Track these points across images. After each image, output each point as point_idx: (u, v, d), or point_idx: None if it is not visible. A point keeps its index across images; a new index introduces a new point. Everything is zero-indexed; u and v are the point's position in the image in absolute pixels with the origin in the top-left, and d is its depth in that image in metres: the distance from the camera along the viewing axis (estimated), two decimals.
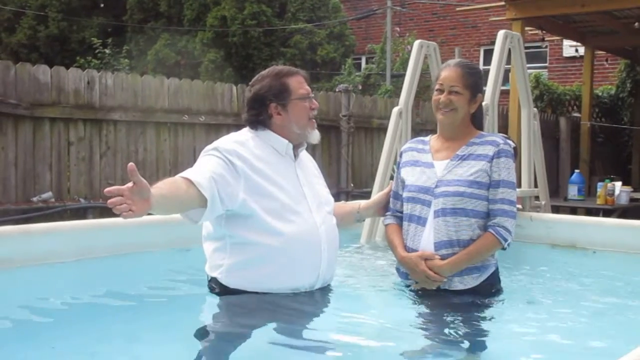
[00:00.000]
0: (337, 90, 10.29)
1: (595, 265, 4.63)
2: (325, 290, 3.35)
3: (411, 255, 3.38)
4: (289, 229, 3.14)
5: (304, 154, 3.50)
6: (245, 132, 3.35)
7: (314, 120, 3.37)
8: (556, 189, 11.47)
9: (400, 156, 3.67)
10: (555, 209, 7.78)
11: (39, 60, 14.57)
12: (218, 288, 3.21)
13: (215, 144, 3.21)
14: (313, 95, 3.40)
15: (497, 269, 3.47)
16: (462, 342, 2.91)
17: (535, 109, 5.87)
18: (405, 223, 3.49)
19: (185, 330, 2.95)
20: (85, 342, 2.81)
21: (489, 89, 5.22)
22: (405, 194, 3.50)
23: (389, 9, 16.01)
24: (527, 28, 10.28)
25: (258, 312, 3.09)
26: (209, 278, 3.28)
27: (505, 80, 7.44)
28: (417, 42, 5.61)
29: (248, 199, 3.10)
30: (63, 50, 17.70)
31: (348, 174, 9.86)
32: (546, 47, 16.64)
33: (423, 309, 3.30)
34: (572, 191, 9.84)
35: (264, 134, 3.32)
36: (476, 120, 3.52)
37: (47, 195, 6.78)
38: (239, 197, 3.08)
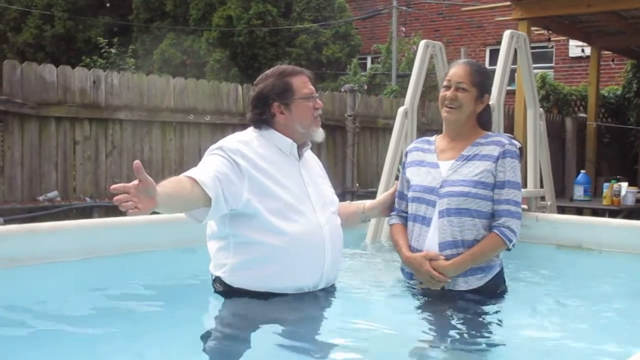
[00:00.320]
0: (342, 90, 10.29)
1: (601, 265, 4.62)
2: (329, 290, 3.35)
3: (416, 256, 3.38)
4: (292, 228, 3.14)
5: (309, 154, 3.50)
6: (250, 132, 3.35)
7: (318, 119, 3.37)
8: (562, 189, 11.45)
9: (406, 156, 3.66)
10: (561, 210, 7.78)
11: (45, 60, 14.59)
12: (222, 287, 3.22)
13: (220, 143, 3.21)
14: (317, 94, 3.39)
15: (501, 269, 3.46)
16: (467, 343, 2.90)
17: (541, 109, 5.87)
18: (409, 223, 3.48)
19: (189, 329, 2.96)
20: (89, 341, 2.82)
21: (495, 89, 5.21)
22: (410, 194, 3.49)
23: (395, 8, 15.99)
24: (533, 28, 10.25)
25: (261, 312, 3.09)
26: (213, 277, 3.28)
27: (511, 80, 7.42)
28: (422, 42, 5.61)
29: (252, 199, 3.10)
30: (69, 49, 17.72)
31: (353, 174, 9.86)
32: (552, 47, 16.60)
33: (427, 309, 3.30)
34: (578, 192, 9.81)
35: (268, 133, 3.32)
36: (483, 121, 3.51)
37: (53, 194, 6.79)
38: (243, 197, 3.08)
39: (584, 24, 11.21)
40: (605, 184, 9.70)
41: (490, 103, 3.61)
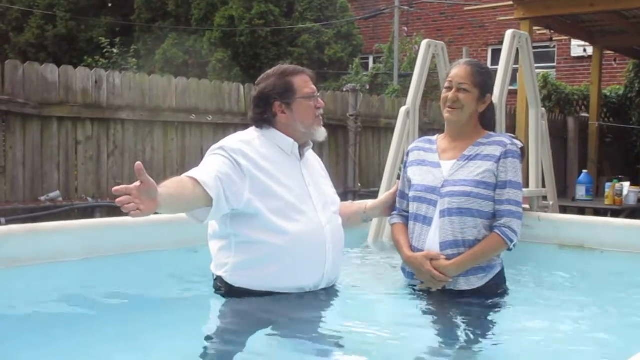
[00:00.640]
0: (344, 89, 10.28)
1: (603, 265, 4.61)
2: (331, 290, 3.35)
3: (417, 255, 3.37)
4: (293, 228, 3.14)
5: (311, 154, 3.50)
6: (251, 131, 3.35)
7: (320, 119, 3.37)
8: (564, 189, 11.44)
9: (407, 155, 3.66)
10: (563, 209, 7.76)
11: (47, 60, 14.60)
12: (223, 287, 3.22)
13: (221, 143, 3.21)
14: (319, 94, 3.39)
15: (502, 269, 3.46)
16: (468, 343, 2.90)
17: (543, 109, 5.86)
18: (411, 223, 3.48)
19: (191, 329, 2.96)
20: (91, 341, 2.82)
21: (496, 88, 5.20)
22: (411, 194, 3.49)
23: (397, 8, 15.99)
24: (535, 28, 10.25)
25: (263, 312, 3.09)
26: (214, 277, 3.29)
27: (513, 80, 7.42)
28: (424, 42, 5.61)
29: (253, 198, 3.10)
30: (71, 49, 17.75)
31: (355, 174, 9.85)
32: (554, 46, 16.60)
33: (428, 309, 3.29)
34: (580, 191, 9.81)
35: (270, 133, 3.32)
36: (485, 121, 3.51)
37: (55, 194, 6.79)
38: (245, 197, 3.08)
39: (586, 24, 11.20)
40: (608, 184, 9.70)
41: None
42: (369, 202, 3.84)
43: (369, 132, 10.23)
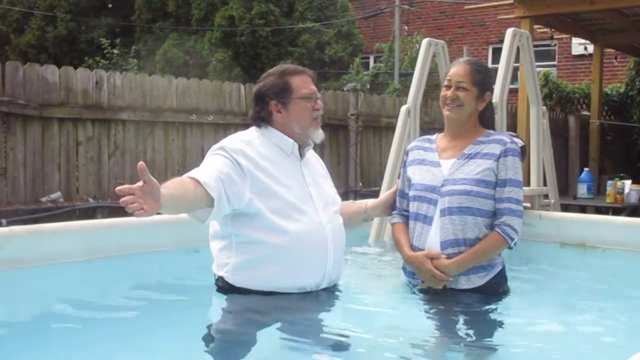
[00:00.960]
0: (345, 89, 10.27)
1: (604, 264, 4.61)
2: (332, 289, 3.35)
3: (417, 255, 3.38)
4: (294, 228, 3.14)
5: (311, 154, 3.50)
6: (252, 131, 3.36)
7: (318, 120, 3.36)
8: (565, 187, 11.43)
9: (407, 155, 3.66)
10: (565, 208, 7.76)
11: (48, 61, 14.61)
12: (224, 287, 3.22)
13: (222, 143, 3.21)
14: (318, 95, 3.37)
15: (503, 267, 3.46)
16: (469, 341, 2.90)
17: (544, 108, 5.86)
18: (411, 222, 3.48)
19: (192, 329, 2.96)
20: (92, 341, 2.82)
21: (497, 87, 5.20)
22: (411, 193, 3.49)
23: (397, 7, 15.98)
24: (535, 26, 10.24)
25: (264, 312, 3.09)
26: (216, 277, 3.29)
27: (514, 78, 7.41)
28: (425, 41, 5.61)
29: (254, 198, 3.10)
30: (72, 50, 17.76)
31: (356, 173, 9.85)
32: (555, 45, 16.55)
33: (429, 308, 3.29)
34: (582, 189, 9.81)
35: (270, 132, 3.32)
36: (485, 119, 3.51)
37: (56, 195, 6.79)
38: (245, 197, 3.09)
39: (586, 22, 11.19)
40: (609, 182, 9.69)
41: (493, 101, 3.61)
42: (370, 202, 3.84)
43: (370, 132, 10.23)
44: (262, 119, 3.33)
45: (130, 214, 2.55)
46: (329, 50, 15.45)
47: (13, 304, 3.27)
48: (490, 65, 16.69)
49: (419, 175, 3.48)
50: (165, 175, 7.49)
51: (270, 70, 3.40)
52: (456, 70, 3.45)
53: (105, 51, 14.75)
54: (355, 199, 8.63)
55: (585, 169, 10.42)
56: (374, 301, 3.55)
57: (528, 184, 5.62)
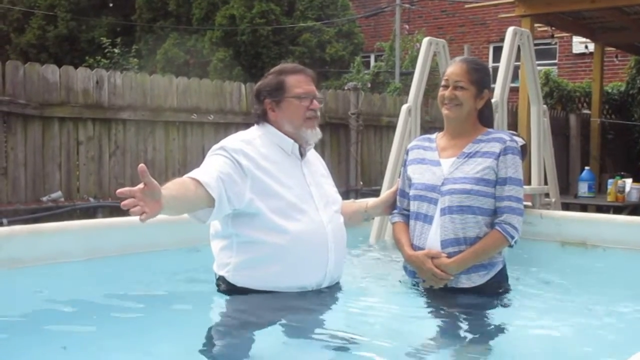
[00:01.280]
0: (346, 88, 10.27)
1: (605, 262, 4.60)
2: (333, 289, 3.34)
3: (418, 254, 3.37)
4: (295, 227, 3.14)
5: (312, 153, 3.50)
6: (253, 131, 3.36)
7: (313, 120, 3.33)
8: (566, 186, 11.43)
9: (407, 154, 3.66)
10: (566, 206, 7.76)
11: (48, 60, 14.61)
12: (225, 286, 3.22)
13: (222, 143, 3.21)
14: (318, 95, 3.35)
15: (504, 266, 3.46)
16: (470, 341, 2.90)
17: (544, 106, 5.85)
18: (412, 221, 3.48)
19: (193, 329, 2.96)
20: (94, 341, 2.82)
21: (498, 86, 5.20)
22: (411, 192, 3.49)
23: (398, 6, 15.97)
24: (536, 25, 10.23)
25: (265, 311, 3.09)
26: (217, 276, 3.29)
27: (515, 77, 7.41)
28: (426, 40, 5.60)
29: (254, 198, 3.10)
30: (72, 50, 17.76)
31: (357, 172, 9.85)
32: (556, 43, 16.57)
33: (430, 307, 3.29)
34: (583, 188, 9.80)
35: (271, 132, 3.32)
36: (484, 118, 3.51)
37: (57, 194, 6.79)
38: (246, 197, 3.09)
39: (587, 20, 11.19)
40: (610, 181, 9.67)
41: (493, 100, 3.61)
42: (370, 201, 3.83)
43: (371, 131, 10.23)
44: (259, 116, 3.36)
45: (128, 213, 2.54)
46: (329, 49, 15.44)
47: (13, 303, 3.27)
48: (491, 64, 16.72)
49: (419, 175, 3.47)
50: (165, 175, 7.50)
51: (272, 70, 3.41)
52: (453, 69, 3.45)
53: (106, 50, 14.75)
54: (356, 198, 8.63)
55: (586, 167, 10.42)
56: (375, 300, 3.54)
57: (529, 182, 5.62)
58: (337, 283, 3.39)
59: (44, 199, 6.71)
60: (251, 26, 14.70)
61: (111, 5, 18.54)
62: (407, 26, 17.22)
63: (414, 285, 3.48)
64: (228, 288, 3.22)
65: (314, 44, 15.27)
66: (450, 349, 2.83)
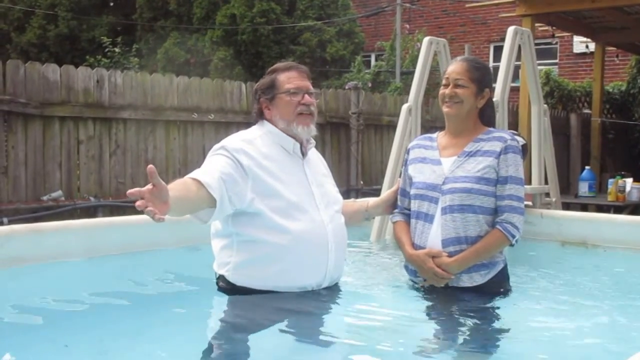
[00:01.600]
0: (346, 87, 10.28)
1: (606, 262, 4.60)
2: (333, 289, 3.34)
3: (419, 253, 3.37)
4: (295, 227, 3.14)
5: (314, 153, 3.50)
6: (254, 130, 3.36)
7: (305, 116, 3.31)
8: (567, 185, 11.42)
9: (408, 153, 3.66)
10: (566, 206, 7.76)
11: (49, 60, 14.60)
12: (225, 285, 3.22)
13: (223, 142, 3.21)
14: (307, 90, 3.33)
15: (505, 265, 3.46)
16: (470, 340, 2.90)
17: (545, 106, 5.85)
18: (412, 220, 3.48)
19: (193, 328, 2.96)
20: (95, 339, 2.82)
21: (498, 85, 5.20)
22: (412, 191, 3.49)
23: (399, 6, 15.96)
24: (537, 24, 10.22)
25: (265, 311, 3.09)
26: (217, 276, 3.29)
27: (515, 76, 7.41)
28: (426, 39, 5.60)
29: (255, 198, 3.10)
30: (73, 49, 17.76)
31: (358, 172, 9.85)
32: (556, 43, 16.57)
33: (431, 306, 3.29)
34: (583, 188, 9.80)
35: (272, 131, 3.32)
36: (485, 116, 3.51)
37: (57, 194, 6.79)
38: (247, 196, 3.09)
39: (588, 20, 11.18)
40: (610, 180, 9.67)
41: (494, 99, 3.61)
42: (371, 201, 3.83)
43: (371, 130, 10.23)
44: (258, 115, 3.39)
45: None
46: (330, 48, 15.44)
47: (14, 302, 3.27)
48: (491, 63, 16.72)
49: (420, 174, 3.47)
50: (166, 174, 7.51)
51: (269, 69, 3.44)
52: (454, 68, 3.46)
53: (107, 50, 14.76)
54: (356, 197, 8.64)
55: (587, 167, 10.42)
56: (375, 300, 3.54)
57: (529, 182, 5.62)
58: (337, 283, 3.39)
59: (45, 198, 6.71)
60: (252, 25, 14.70)
61: (112, 4, 18.55)
62: (407, 25, 17.21)
63: (415, 284, 3.48)
64: (228, 287, 3.21)
65: (315, 43, 15.27)
66: (451, 348, 2.82)
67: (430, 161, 3.48)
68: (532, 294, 3.61)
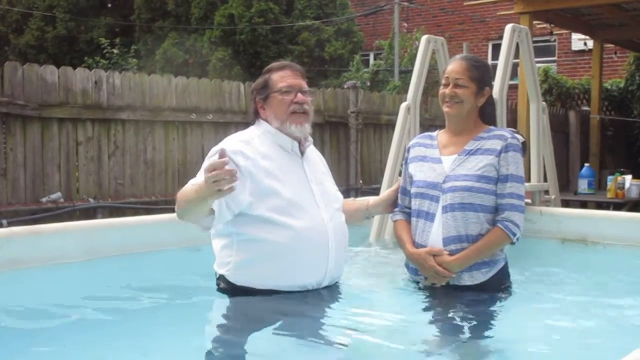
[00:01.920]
0: (345, 86, 10.26)
1: (605, 259, 4.60)
2: (333, 288, 3.34)
3: (420, 251, 3.37)
4: (296, 225, 3.14)
5: (313, 151, 3.50)
6: (252, 131, 3.36)
7: (299, 114, 3.30)
8: (566, 183, 11.43)
9: (408, 152, 3.65)
10: (566, 203, 7.75)
11: (47, 61, 14.61)
12: (226, 285, 3.22)
13: (221, 144, 3.21)
14: (300, 88, 3.32)
15: (506, 264, 3.45)
16: (472, 338, 2.90)
17: (544, 103, 5.85)
18: (413, 219, 3.48)
19: (193, 327, 2.96)
20: (94, 341, 2.82)
21: (497, 83, 5.19)
22: (413, 190, 3.49)
23: (397, 4, 15.97)
24: (535, 22, 10.22)
25: (265, 310, 3.09)
26: (217, 275, 3.29)
27: (514, 74, 7.40)
28: (424, 38, 5.60)
29: (254, 201, 3.11)
30: (71, 50, 17.76)
31: (357, 171, 9.85)
32: (554, 40, 16.57)
33: (432, 305, 3.29)
34: (582, 185, 9.80)
35: (269, 131, 3.32)
36: (485, 115, 3.50)
37: (56, 195, 6.78)
38: (246, 199, 3.10)
39: (586, 17, 11.18)
40: (610, 177, 9.69)
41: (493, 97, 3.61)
42: (371, 200, 3.83)
43: (370, 129, 10.23)
44: (255, 115, 3.40)
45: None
46: (328, 47, 15.44)
47: (13, 304, 3.26)
48: (490, 61, 16.70)
49: (420, 172, 3.47)
50: (165, 175, 7.51)
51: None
52: (453, 67, 3.45)
53: (105, 51, 14.76)
54: (356, 196, 8.63)
55: (586, 164, 10.42)
56: (376, 299, 3.54)
57: (528, 180, 5.61)
58: (337, 283, 3.39)
59: (44, 199, 6.71)
60: (250, 25, 14.70)
61: (110, 5, 18.53)
62: (406, 24, 17.22)
63: (416, 283, 3.48)
64: (228, 287, 3.21)
65: (313, 42, 15.27)
66: (452, 346, 2.82)
67: (430, 159, 3.48)
68: (533, 292, 3.61)
